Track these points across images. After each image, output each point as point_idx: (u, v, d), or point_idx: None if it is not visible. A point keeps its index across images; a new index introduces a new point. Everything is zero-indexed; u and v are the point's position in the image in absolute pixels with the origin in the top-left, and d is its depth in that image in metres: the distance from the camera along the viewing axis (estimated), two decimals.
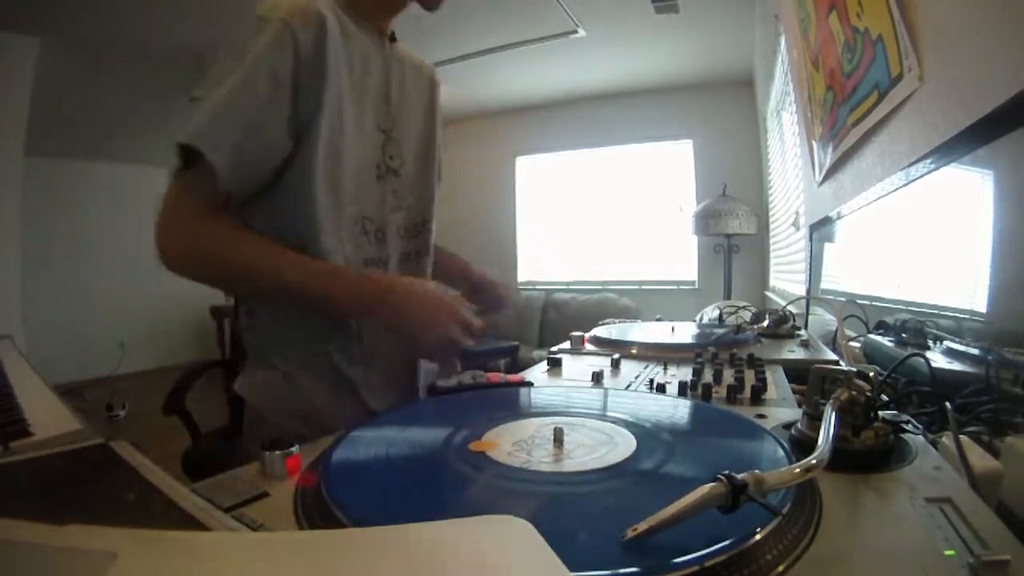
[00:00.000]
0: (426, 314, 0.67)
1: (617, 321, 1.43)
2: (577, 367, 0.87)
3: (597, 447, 0.43)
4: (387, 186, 0.79)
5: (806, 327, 1.43)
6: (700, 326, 1.36)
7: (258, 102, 0.64)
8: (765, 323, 1.21)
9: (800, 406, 0.57)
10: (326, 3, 0.70)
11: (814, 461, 0.33)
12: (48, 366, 1.22)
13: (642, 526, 0.28)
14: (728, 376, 0.71)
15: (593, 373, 0.77)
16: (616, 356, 0.87)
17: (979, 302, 0.65)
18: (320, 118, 0.68)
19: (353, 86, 0.73)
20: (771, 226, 3.58)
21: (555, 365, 0.86)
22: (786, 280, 2.81)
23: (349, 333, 0.74)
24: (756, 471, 0.30)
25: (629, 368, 0.85)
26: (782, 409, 0.61)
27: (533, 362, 0.86)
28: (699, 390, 0.66)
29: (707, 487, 0.29)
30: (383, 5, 0.79)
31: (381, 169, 0.78)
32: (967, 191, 0.69)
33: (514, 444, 0.45)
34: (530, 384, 0.70)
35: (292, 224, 0.69)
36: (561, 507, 0.36)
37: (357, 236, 0.75)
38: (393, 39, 0.82)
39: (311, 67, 0.67)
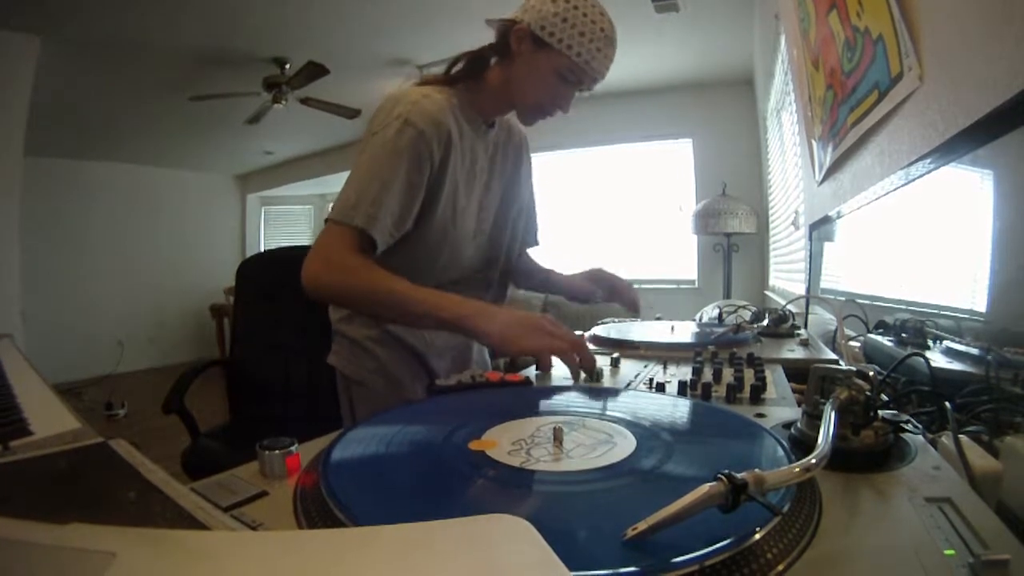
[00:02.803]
0: (513, 324, 0.76)
1: (617, 320, 1.43)
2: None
3: (597, 446, 0.43)
4: (477, 243, 0.98)
5: (806, 326, 1.43)
6: (700, 325, 1.36)
7: (400, 197, 0.81)
8: (765, 322, 1.21)
9: (800, 405, 0.57)
10: (449, 106, 0.86)
11: (814, 460, 0.33)
12: (48, 365, 1.22)
13: (642, 525, 0.28)
14: (728, 375, 0.71)
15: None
16: (615, 355, 0.87)
17: (979, 302, 0.65)
18: (436, 208, 0.86)
19: (464, 177, 0.90)
20: (771, 225, 3.58)
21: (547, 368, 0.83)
22: (786, 279, 2.81)
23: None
24: (756, 470, 0.30)
25: (629, 367, 0.85)
26: (782, 408, 0.61)
27: (533, 361, 0.85)
28: (699, 389, 0.66)
29: (707, 486, 0.29)
30: (497, 105, 0.95)
31: (476, 232, 0.97)
32: (967, 191, 0.69)
33: (514, 443, 0.45)
34: (530, 383, 0.70)
35: (421, 273, 0.85)
36: (561, 506, 0.36)
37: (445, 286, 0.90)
38: (493, 125, 0.98)
39: (437, 172, 0.85)
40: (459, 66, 0.93)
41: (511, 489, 0.39)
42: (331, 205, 0.84)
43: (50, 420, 0.62)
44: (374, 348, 0.95)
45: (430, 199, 0.86)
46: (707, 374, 0.75)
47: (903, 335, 0.87)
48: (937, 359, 0.69)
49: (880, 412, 0.44)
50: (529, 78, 0.89)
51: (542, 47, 0.86)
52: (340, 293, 0.81)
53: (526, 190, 1.11)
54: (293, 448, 0.43)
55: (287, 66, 3.53)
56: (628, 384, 0.74)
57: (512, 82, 0.90)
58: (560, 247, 5.04)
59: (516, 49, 0.88)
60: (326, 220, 0.81)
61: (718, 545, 0.28)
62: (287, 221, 6.60)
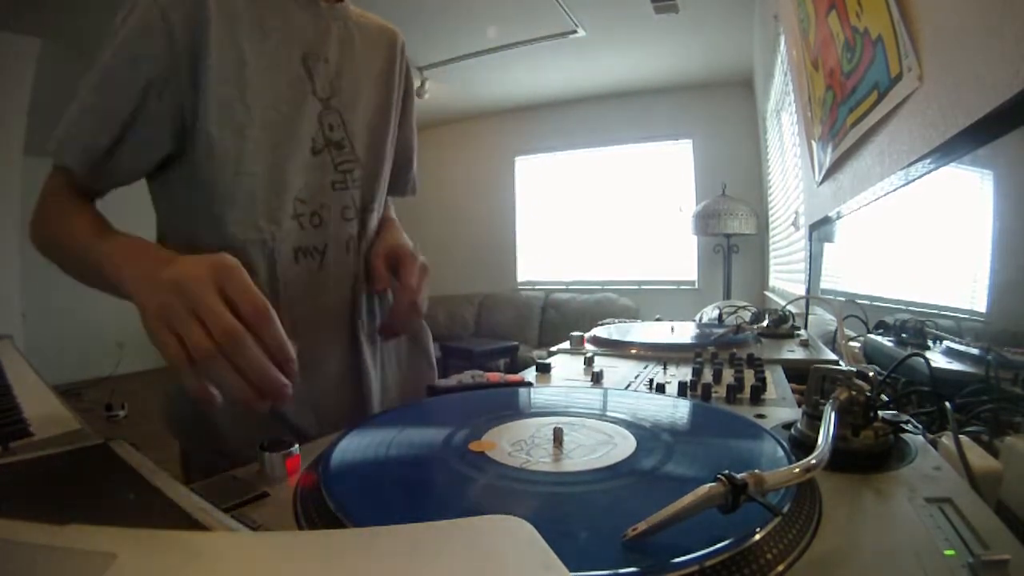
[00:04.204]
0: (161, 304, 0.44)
1: (617, 321, 1.43)
2: (576, 366, 0.87)
3: (597, 447, 0.43)
4: (326, 160, 0.69)
5: (806, 327, 1.43)
6: (700, 326, 1.36)
7: (121, 103, 0.58)
8: (764, 323, 1.21)
9: (800, 406, 0.57)
10: None
11: (814, 461, 0.33)
12: (48, 366, 1.22)
13: (642, 526, 0.28)
14: (728, 376, 0.71)
15: (593, 373, 0.77)
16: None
17: (979, 302, 0.65)
18: (207, 99, 0.59)
19: (264, 53, 0.63)
20: (771, 226, 3.58)
21: (544, 371, 0.82)
22: (786, 280, 2.81)
23: None
24: (756, 471, 0.30)
25: (629, 368, 0.85)
26: (782, 409, 0.61)
27: (533, 362, 0.86)
28: (699, 390, 0.66)
29: (707, 487, 0.29)
30: None
31: (317, 142, 0.68)
32: (967, 191, 0.69)
33: (513, 444, 0.45)
34: (530, 384, 0.70)
35: (198, 213, 0.63)
36: (561, 507, 0.36)
37: (284, 220, 0.65)
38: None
39: (189, 51, 0.58)
40: None
41: (511, 490, 0.39)
42: None
43: (50, 421, 0.62)
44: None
45: (190, 96, 0.59)
46: (707, 375, 0.75)
47: (903, 335, 0.87)
48: (937, 359, 0.69)
49: (880, 412, 0.44)
50: None
51: None
52: (44, 252, 0.65)
53: (403, 113, 0.81)
54: (294, 449, 0.43)
55: None
56: (628, 385, 0.74)
57: None
58: (560, 247, 5.05)
59: None
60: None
61: (718, 545, 0.28)
62: None
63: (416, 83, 3.56)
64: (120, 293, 0.53)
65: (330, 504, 0.34)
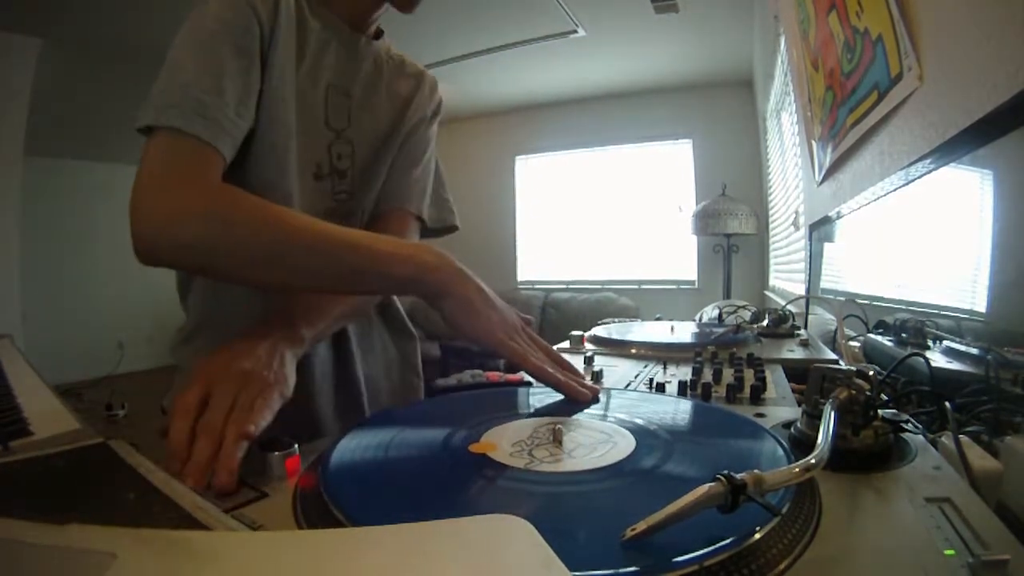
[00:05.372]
0: (492, 303, 0.58)
1: (617, 320, 1.43)
2: (576, 366, 0.86)
3: (596, 447, 0.43)
4: (325, 186, 0.70)
5: (806, 327, 1.43)
6: (699, 325, 1.36)
7: (236, 79, 0.57)
8: (764, 322, 1.22)
9: (799, 405, 0.57)
10: None
11: (813, 460, 0.33)
12: (48, 366, 1.22)
13: (641, 526, 0.28)
14: (727, 375, 0.71)
15: (593, 373, 0.77)
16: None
17: (979, 302, 0.65)
18: (264, 101, 0.61)
19: (301, 76, 0.65)
20: (771, 226, 3.58)
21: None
22: (785, 280, 2.81)
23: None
24: (755, 470, 0.30)
25: (629, 367, 0.85)
26: (781, 408, 0.61)
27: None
28: (698, 389, 0.66)
29: (706, 487, 0.29)
30: (364, 6, 0.71)
31: (322, 168, 0.69)
32: (967, 191, 0.69)
33: (513, 444, 0.45)
34: (530, 384, 0.70)
35: None
36: (560, 507, 0.36)
37: None
38: (378, 36, 0.75)
39: (264, 42, 0.60)
40: None
41: (511, 489, 0.39)
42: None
43: (50, 420, 0.62)
44: None
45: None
46: (707, 374, 0.75)
47: (903, 335, 0.87)
48: (937, 359, 0.69)
49: (880, 412, 0.44)
50: None
51: None
52: (215, 245, 0.52)
53: (414, 133, 0.79)
54: (293, 449, 0.43)
55: None
56: (628, 384, 0.74)
57: None
58: (560, 247, 5.05)
59: None
60: (148, 129, 0.55)
61: (717, 545, 0.28)
62: None
63: None
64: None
65: (330, 504, 0.34)
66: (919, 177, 0.80)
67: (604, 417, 0.52)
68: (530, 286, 5.09)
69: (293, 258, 0.53)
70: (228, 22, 0.58)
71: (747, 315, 1.34)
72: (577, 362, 0.89)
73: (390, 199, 0.77)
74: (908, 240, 0.93)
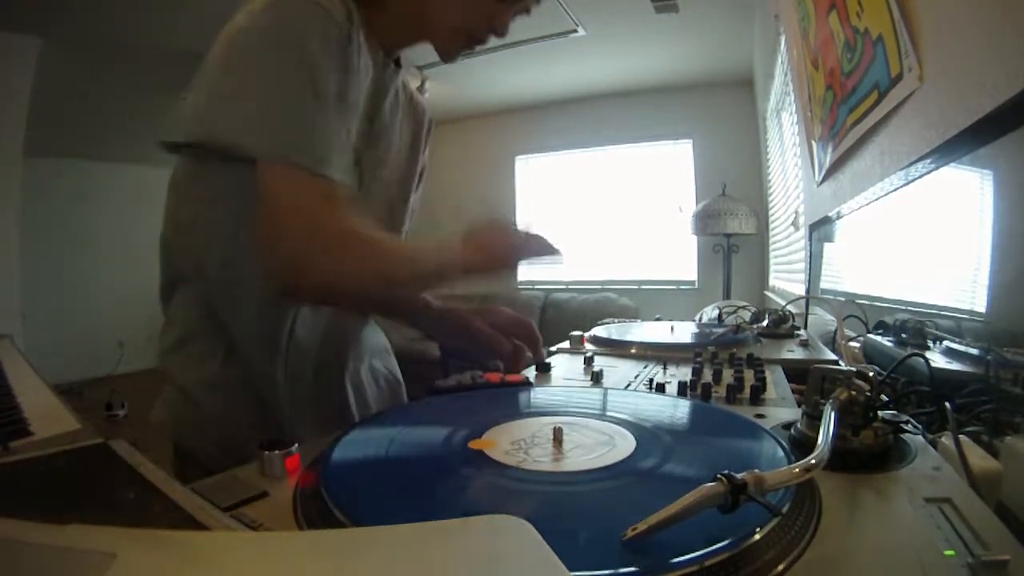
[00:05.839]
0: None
1: (617, 321, 1.43)
2: (576, 366, 0.87)
3: (596, 447, 0.43)
4: None
5: (805, 327, 1.43)
6: (699, 326, 1.36)
7: (336, 107, 0.58)
8: (764, 323, 1.21)
9: (799, 406, 0.57)
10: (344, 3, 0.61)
11: (813, 461, 0.33)
12: (47, 366, 1.22)
13: (641, 526, 0.28)
14: (727, 376, 0.71)
15: (593, 373, 0.77)
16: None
17: (979, 302, 0.65)
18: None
19: (359, 109, 0.66)
20: (770, 226, 3.58)
21: (544, 371, 0.82)
22: (785, 280, 2.81)
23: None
24: (755, 471, 0.30)
25: (628, 367, 0.85)
26: (781, 409, 0.61)
27: (532, 361, 0.86)
28: (698, 390, 0.66)
29: (706, 487, 0.29)
30: (402, 33, 0.70)
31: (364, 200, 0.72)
32: (967, 191, 0.69)
33: (513, 444, 0.45)
34: (530, 384, 0.70)
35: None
36: (560, 507, 0.36)
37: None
38: (398, 64, 0.75)
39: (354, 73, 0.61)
40: None
41: (511, 489, 0.39)
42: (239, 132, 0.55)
43: (50, 420, 0.62)
44: (204, 397, 0.65)
45: None
46: (707, 374, 0.75)
47: (903, 335, 0.87)
48: (937, 359, 0.69)
49: (880, 412, 0.44)
50: None
51: None
52: (350, 283, 0.58)
53: (417, 185, 0.84)
54: (293, 448, 0.43)
55: None
56: (628, 384, 0.74)
57: (429, 1, 0.67)
58: (559, 247, 5.04)
59: None
60: (265, 162, 0.54)
61: (717, 545, 0.28)
62: None
63: (416, 83, 3.56)
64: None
65: (330, 504, 0.34)
66: (919, 177, 0.80)
67: (604, 417, 0.52)
68: (530, 286, 5.09)
69: (407, 288, 0.64)
70: (332, 54, 0.58)
71: (747, 315, 1.34)
72: (577, 362, 0.89)
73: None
74: (908, 240, 0.93)
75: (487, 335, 0.73)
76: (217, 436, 0.64)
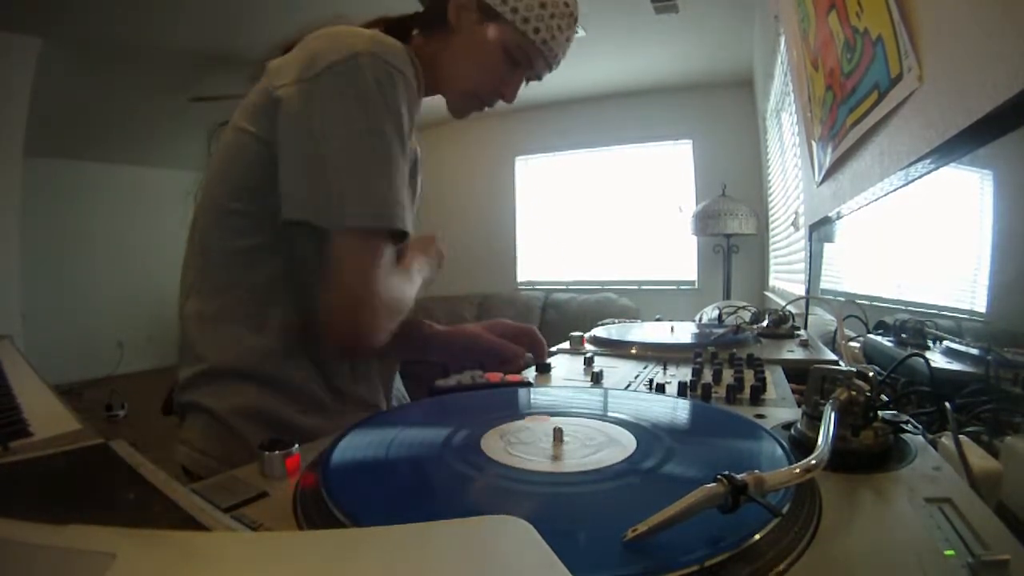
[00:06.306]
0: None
1: (617, 321, 1.43)
2: (576, 367, 0.87)
3: (597, 447, 0.43)
4: None
5: (805, 327, 1.43)
6: (699, 326, 1.36)
7: (403, 168, 0.63)
8: (764, 323, 1.21)
9: (799, 406, 0.57)
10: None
11: (814, 461, 0.33)
12: (47, 366, 1.22)
13: (642, 527, 0.28)
14: (727, 376, 0.71)
15: (593, 373, 0.77)
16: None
17: (979, 302, 0.65)
18: None
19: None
20: (770, 226, 3.58)
21: (544, 371, 0.82)
22: (785, 280, 2.81)
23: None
24: (756, 471, 0.30)
25: (628, 368, 0.85)
26: (781, 409, 0.61)
27: (533, 362, 0.86)
28: (698, 390, 0.66)
29: (707, 487, 0.29)
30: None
31: None
32: (967, 191, 0.69)
33: (513, 444, 0.45)
34: (530, 384, 0.70)
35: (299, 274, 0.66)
36: (561, 507, 0.36)
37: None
38: None
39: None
40: None
41: (511, 490, 0.39)
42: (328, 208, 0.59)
43: (50, 421, 0.62)
44: (242, 426, 0.63)
45: None
46: (707, 375, 0.75)
47: (903, 335, 0.87)
48: (937, 359, 0.69)
49: (880, 413, 0.44)
50: (469, 57, 0.70)
51: (490, 18, 0.69)
52: (386, 338, 0.64)
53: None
54: (293, 449, 0.43)
55: None
56: (628, 385, 0.74)
57: (445, 61, 0.70)
58: (560, 247, 5.05)
59: (455, 20, 0.70)
60: (338, 230, 0.58)
61: (718, 546, 0.28)
62: None
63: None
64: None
65: (330, 504, 0.34)
66: (919, 177, 0.80)
67: (604, 418, 0.52)
68: (530, 287, 5.09)
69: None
70: (400, 116, 0.61)
71: (747, 316, 1.34)
72: (577, 363, 0.89)
73: None
74: (908, 240, 0.93)
75: (500, 346, 0.76)
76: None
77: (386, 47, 0.61)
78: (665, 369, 0.83)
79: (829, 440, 0.37)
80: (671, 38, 3.55)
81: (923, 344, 0.78)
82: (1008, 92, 0.55)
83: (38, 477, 0.39)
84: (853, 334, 1.06)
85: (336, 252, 0.59)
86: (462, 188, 5.23)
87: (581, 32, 3.40)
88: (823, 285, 1.56)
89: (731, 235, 3.95)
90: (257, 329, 0.64)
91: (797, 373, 0.77)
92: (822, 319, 1.46)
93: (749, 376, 0.71)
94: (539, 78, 0.75)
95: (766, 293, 3.52)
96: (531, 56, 0.70)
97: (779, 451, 0.41)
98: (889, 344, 0.91)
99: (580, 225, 4.92)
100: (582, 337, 1.09)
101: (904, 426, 0.46)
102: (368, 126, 0.59)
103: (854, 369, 0.45)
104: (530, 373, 0.81)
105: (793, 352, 0.97)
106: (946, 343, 0.72)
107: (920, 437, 0.47)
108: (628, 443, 0.44)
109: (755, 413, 0.58)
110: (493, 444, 0.45)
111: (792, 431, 0.48)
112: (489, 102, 0.74)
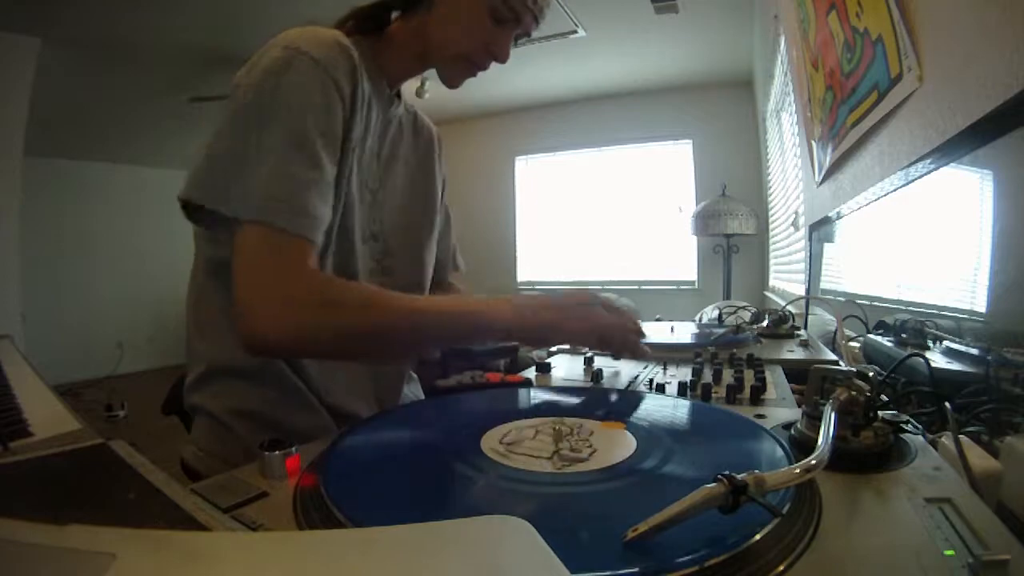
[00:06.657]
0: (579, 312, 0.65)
1: None
2: (576, 366, 0.87)
3: (597, 447, 0.43)
4: (367, 250, 0.72)
5: (805, 327, 1.43)
6: (699, 326, 1.36)
7: (324, 164, 0.59)
8: (764, 323, 1.21)
9: (799, 406, 0.57)
10: (349, 43, 0.64)
11: (814, 461, 0.33)
12: (47, 366, 1.22)
13: (643, 527, 0.28)
14: (727, 376, 0.71)
15: (593, 373, 0.77)
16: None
17: (979, 302, 0.65)
18: (346, 177, 0.65)
19: (358, 152, 0.67)
20: (770, 226, 3.58)
21: (544, 371, 0.83)
22: (785, 280, 2.81)
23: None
24: (756, 471, 0.30)
25: (629, 368, 0.85)
26: (781, 409, 0.61)
27: (533, 362, 0.86)
28: (698, 390, 0.66)
29: (707, 487, 0.29)
30: (407, 63, 0.73)
31: (365, 233, 0.72)
32: (967, 191, 0.69)
33: (513, 444, 0.45)
34: (530, 384, 0.70)
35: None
36: (561, 507, 0.36)
37: None
38: (399, 96, 0.77)
39: (347, 122, 0.63)
40: (348, 26, 0.71)
41: (511, 490, 0.39)
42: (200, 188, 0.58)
43: (50, 421, 0.62)
44: (239, 426, 0.65)
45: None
46: (707, 375, 0.75)
47: (903, 335, 0.87)
48: (937, 359, 0.69)
49: (880, 413, 0.44)
50: (454, 21, 0.69)
51: None
52: (319, 335, 0.56)
53: (441, 197, 0.87)
54: (293, 449, 0.43)
55: None
56: (628, 385, 0.74)
57: (431, 30, 0.69)
58: (560, 247, 5.05)
59: None
60: (239, 220, 0.55)
61: (718, 546, 0.28)
62: None
63: (416, 83, 3.56)
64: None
65: (330, 504, 0.34)
66: (919, 177, 0.80)
67: (604, 418, 0.52)
68: (530, 286, 5.09)
69: (399, 335, 0.58)
70: (316, 107, 0.59)
71: (747, 316, 1.34)
72: (577, 362, 0.89)
73: (446, 268, 0.90)
74: (908, 240, 0.93)
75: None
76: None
77: (307, 37, 0.61)
78: (665, 369, 0.83)
79: (829, 440, 0.37)
80: (671, 38, 3.55)
81: (923, 344, 0.78)
82: (1008, 92, 0.55)
83: (38, 477, 0.39)
84: (853, 334, 1.06)
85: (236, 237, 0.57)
86: (462, 188, 5.22)
87: (581, 32, 3.41)
88: (823, 285, 1.56)
89: (731, 235, 3.95)
90: None
91: (797, 373, 0.77)
92: (822, 319, 1.46)
93: (749, 376, 0.71)
94: (528, 34, 0.73)
95: (766, 293, 3.52)
96: (516, 10, 0.68)
97: (779, 451, 0.41)
98: (889, 344, 0.91)
99: (580, 225, 4.92)
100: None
101: (904, 426, 0.46)
102: (259, 121, 0.57)
103: (854, 369, 0.45)
104: (530, 373, 0.81)
105: (793, 352, 0.97)
106: (946, 343, 0.72)
107: (920, 437, 0.47)
108: (628, 443, 0.44)
109: (755, 413, 0.58)
110: (493, 444, 0.45)
111: (792, 431, 0.48)
112: (481, 64, 0.72)
